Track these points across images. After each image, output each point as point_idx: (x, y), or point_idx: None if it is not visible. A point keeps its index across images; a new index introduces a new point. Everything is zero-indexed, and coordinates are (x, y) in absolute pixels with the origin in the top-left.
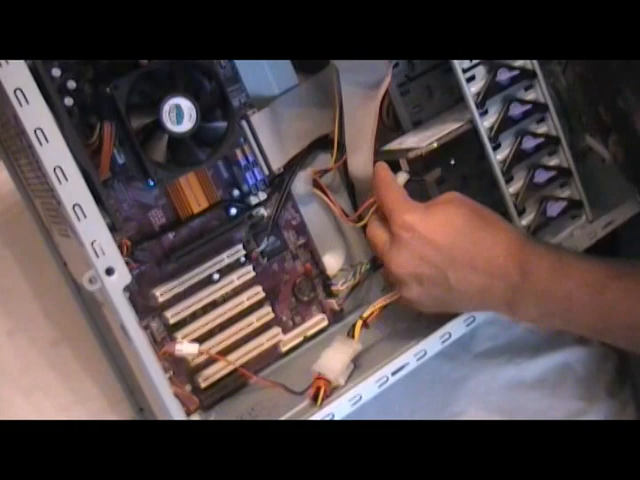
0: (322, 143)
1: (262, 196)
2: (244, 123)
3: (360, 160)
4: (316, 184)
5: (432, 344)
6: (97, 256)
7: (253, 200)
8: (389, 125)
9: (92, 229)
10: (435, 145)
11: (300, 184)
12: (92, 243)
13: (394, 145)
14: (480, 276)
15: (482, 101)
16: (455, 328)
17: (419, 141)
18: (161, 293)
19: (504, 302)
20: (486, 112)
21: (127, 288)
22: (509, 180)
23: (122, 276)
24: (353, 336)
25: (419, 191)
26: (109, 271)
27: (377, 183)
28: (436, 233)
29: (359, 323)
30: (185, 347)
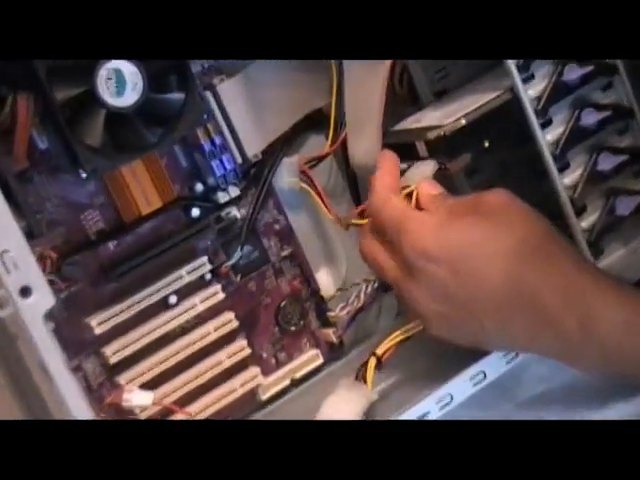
0: (314, 121)
1: (234, 192)
2: (209, 95)
3: (364, 143)
4: (305, 176)
5: (461, 387)
6: (8, 272)
7: (222, 197)
8: (403, 96)
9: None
10: (463, 122)
11: (284, 176)
12: (1, 254)
13: (409, 123)
14: (525, 322)
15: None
16: (491, 366)
17: (442, 117)
18: (98, 322)
19: (554, 354)
20: (532, 77)
21: (51, 315)
22: (564, 168)
23: (43, 298)
24: (365, 380)
25: (442, 185)
26: (25, 291)
27: (377, 182)
28: (469, 265)
29: (372, 362)
30: (136, 396)
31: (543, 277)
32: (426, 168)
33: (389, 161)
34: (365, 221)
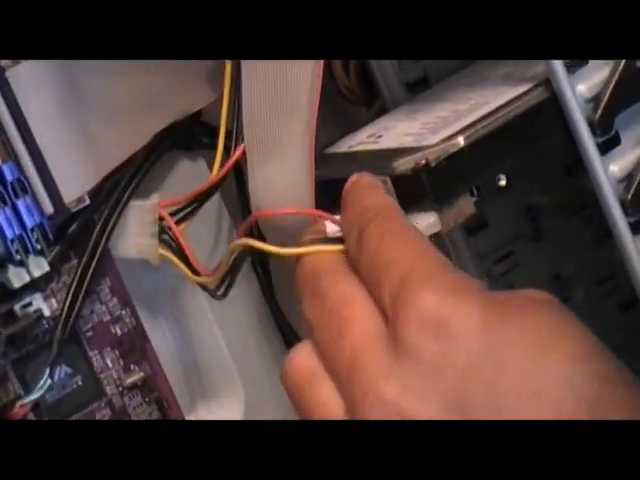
0: (185, 134)
1: (38, 267)
2: None
3: (280, 173)
4: (169, 234)
5: None
6: None
7: (15, 278)
8: (352, 92)
9: None
10: (461, 143)
11: (131, 235)
12: None
13: (361, 141)
14: None
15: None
16: None
17: (422, 131)
18: None
19: None
20: (584, 61)
21: None
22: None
23: None
24: None
25: None
26: None
27: (381, 202)
28: (499, 368)
29: None
30: None
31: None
32: (423, 223)
33: (365, 179)
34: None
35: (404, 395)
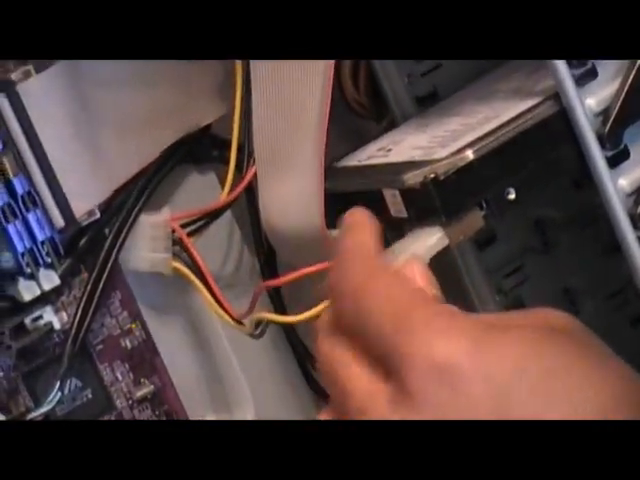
0: (196, 149)
1: (48, 281)
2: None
3: (290, 189)
4: (182, 248)
5: None
6: None
7: (26, 291)
8: (361, 107)
9: None
10: (470, 157)
11: (142, 249)
12: None
13: (370, 155)
14: None
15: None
16: None
17: (431, 145)
18: None
19: None
20: (593, 74)
21: None
22: None
23: None
24: None
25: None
26: None
27: (347, 241)
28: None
29: None
30: None
31: None
32: (429, 240)
33: (358, 215)
34: (319, 311)
35: None
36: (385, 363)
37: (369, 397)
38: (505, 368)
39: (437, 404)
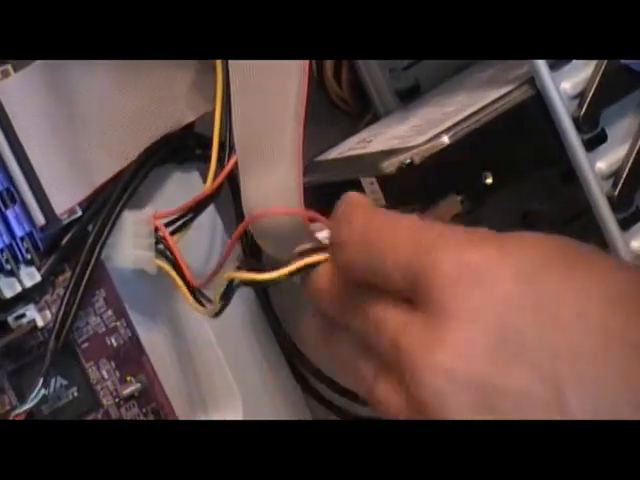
0: (178, 146)
1: (30, 278)
2: None
3: (270, 182)
4: (164, 245)
5: None
6: None
7: (7, 288)
8: (343, 101)
9: None
10: (445, 141)
11: (125, 247)
12: None
13: (350, 147)
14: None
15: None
16: None
17: (410, 134)
18: None
19: None
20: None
21: None
22: (630, 222)
23: None
24: None
25: None
26: None
27: (350, 206)
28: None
29: None
30: None
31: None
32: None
33: (357, 195)
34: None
35: (457, 359)
36: (411, 291)
37: (402, 326)
38: (531, 265)
39: (471, 309)
